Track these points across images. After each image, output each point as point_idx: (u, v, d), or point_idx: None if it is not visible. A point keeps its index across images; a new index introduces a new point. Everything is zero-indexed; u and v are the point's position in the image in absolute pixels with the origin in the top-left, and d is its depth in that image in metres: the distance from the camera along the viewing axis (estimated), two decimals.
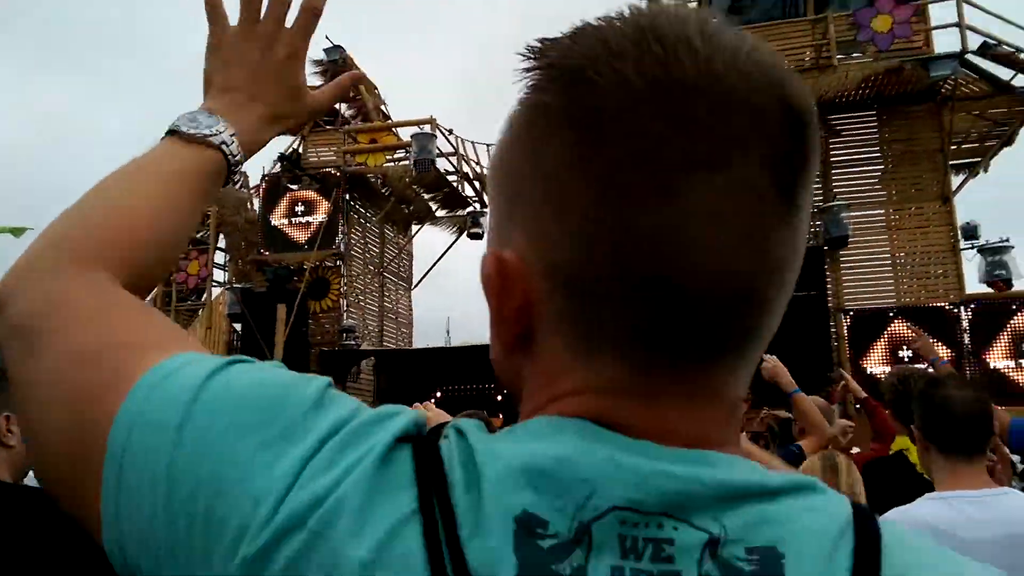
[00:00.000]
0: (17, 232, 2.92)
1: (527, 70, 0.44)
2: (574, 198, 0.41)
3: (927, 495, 1.91)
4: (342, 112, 14.16)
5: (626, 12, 0.43)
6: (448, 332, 19.83)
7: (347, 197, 13.09)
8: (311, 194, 13.06)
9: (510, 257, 0.44)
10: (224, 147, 0.66)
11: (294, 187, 13.10)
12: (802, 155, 0.42)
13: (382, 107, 14.31)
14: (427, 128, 12.30)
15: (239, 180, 14.86)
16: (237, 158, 0.68)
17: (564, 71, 0.42)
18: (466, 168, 13.38)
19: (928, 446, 1.99)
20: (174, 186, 0.63)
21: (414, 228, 15.50)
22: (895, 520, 1.81)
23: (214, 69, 0.71)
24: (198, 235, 14.96)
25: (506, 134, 0.47)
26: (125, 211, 0.61)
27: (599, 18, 0.44)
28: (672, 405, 0.42)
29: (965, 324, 9.91)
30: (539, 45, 0.45)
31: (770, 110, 0.40)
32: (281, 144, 13.67)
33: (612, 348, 0.42)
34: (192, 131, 0.65)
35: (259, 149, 0.73)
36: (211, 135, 0.65)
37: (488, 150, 13.14)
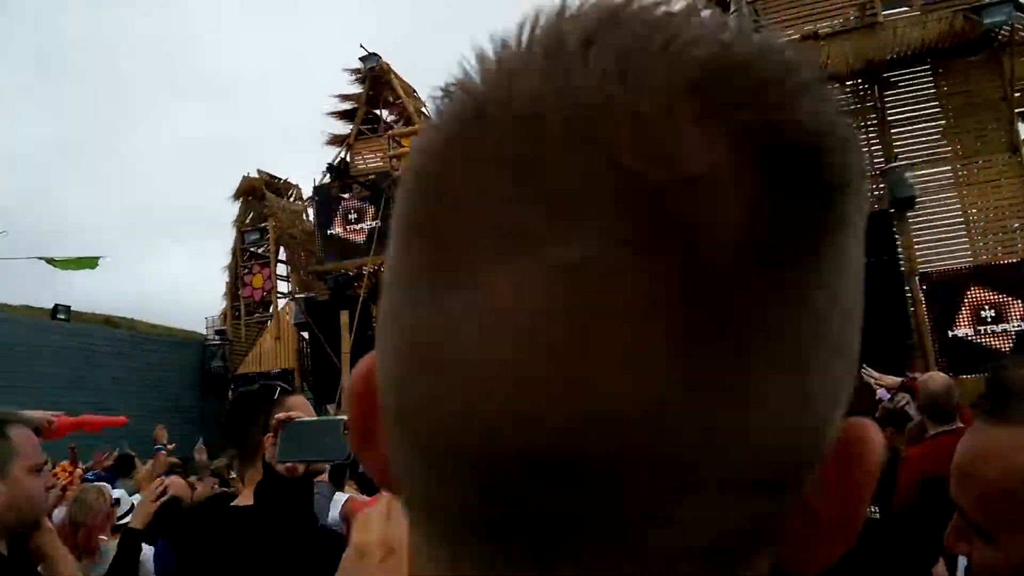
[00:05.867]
0: (91, 263, 2.74)
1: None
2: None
3: None
4: (384, 118, 14.29)
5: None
6: None
7: None
8: (362, 201, 13.23)
9: (364, 363, 0.29)
10: None
11: (345, 195, 13.30)
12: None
13: (423, 109, 14.41)
14: None
15: (292, 193, 15.16)
16: None
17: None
18: None
19: None
20: None
21: None
22: None
23: None
24: (259, 250, 15.34)
25: None
26: None
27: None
28: None
29: None
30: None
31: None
32: (329, 154, 13.90)
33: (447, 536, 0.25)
34: None
35: None
36: None
37: None
